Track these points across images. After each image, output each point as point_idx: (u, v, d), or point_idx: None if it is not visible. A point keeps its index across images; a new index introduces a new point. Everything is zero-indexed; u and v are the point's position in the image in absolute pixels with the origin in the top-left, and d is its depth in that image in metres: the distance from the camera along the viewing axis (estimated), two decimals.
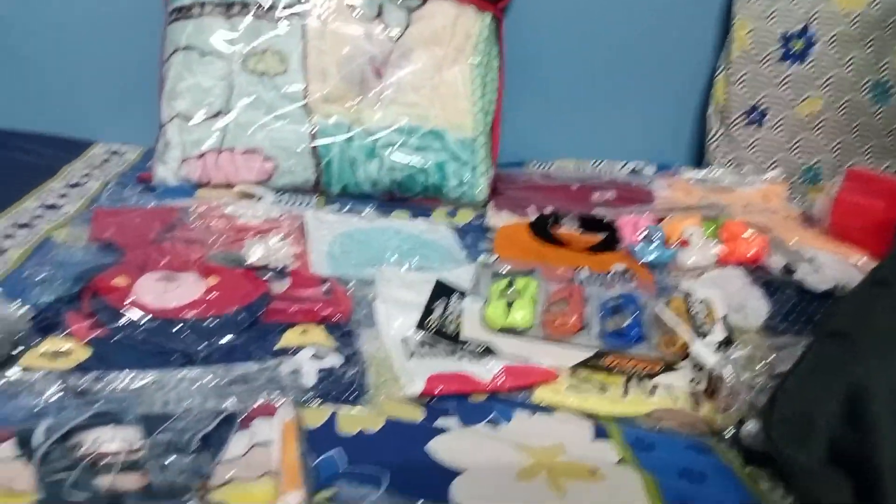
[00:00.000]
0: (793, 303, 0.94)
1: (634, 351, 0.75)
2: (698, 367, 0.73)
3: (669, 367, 0.74)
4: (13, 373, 0.65)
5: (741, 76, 1.38)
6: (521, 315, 0.78)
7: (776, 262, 1.04)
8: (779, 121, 1.41)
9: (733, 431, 0.69)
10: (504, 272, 0.86)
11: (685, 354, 0.74)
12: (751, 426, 0.67)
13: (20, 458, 0.56)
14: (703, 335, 0.73)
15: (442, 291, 0.85)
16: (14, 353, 0.69)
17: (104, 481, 0.54)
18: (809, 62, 1.37)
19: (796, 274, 1.00)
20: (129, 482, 0.54)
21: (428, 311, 0.80)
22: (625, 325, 0.76)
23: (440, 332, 0.78)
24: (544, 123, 1.47)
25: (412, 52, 1.22)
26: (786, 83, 1.38)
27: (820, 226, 1.22)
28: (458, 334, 0.78)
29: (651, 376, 0.75)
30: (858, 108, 1.39)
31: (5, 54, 1.36)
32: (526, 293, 0.80)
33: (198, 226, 0.97)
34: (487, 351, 0.77)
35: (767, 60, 1.37)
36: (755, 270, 1.02)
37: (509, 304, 0.79)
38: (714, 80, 1.42)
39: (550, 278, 0.86)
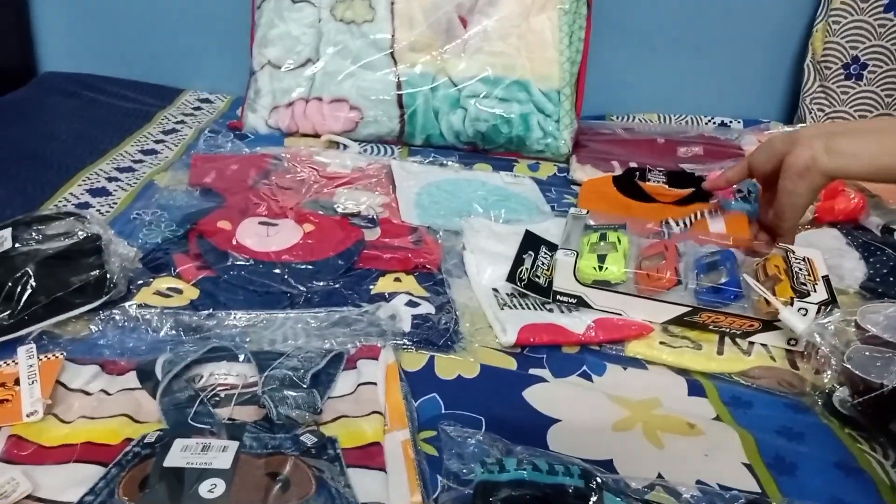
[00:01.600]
0: (892, 265, 0.90)
1: (731, 308, 0.74)
2: None
3: (768, 326, 0.73)
4: (131, 307, 0.69)
5: (843, 25, 1.32)
6: (614, 269, 0.77)
7: (874, 222, 1.01)
8: (880, 75, 1.34)
9: (826, 397, 0.68)
10: (595, 225, 0.85)
11: None
12: (841, 393, 0.66)
13: (143, 388, 0.60)
14: (805, 294, 0.71)
15: (531, 243, 0.85)
16: (130, 289, 0.73)
17: (224, 412, 0.57)
18: None
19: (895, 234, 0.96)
20: (247, 414, 0.57)
21: (518, 261, 0.81)
22: (721, 281, 0.75)
23: (531, 285, 0.78)
24: (629, 75, 1.44)
25: None
26: (891, 35, 1.31)
27: None
28: (549, 285, 0.78)
29: (748, 335, 0.74)
30: None
31: (99, 2, 1.40)
32: (619, 247, 0.79)
33: (291, 173, 0.99)
34: (581, 303, 0.77)
35: (873, 10, 1.30)
36: (852, 230, 0.99)
37: (601, 258, 0.79)
38: (813, 30, 1.35)
39: (640, 233, 0.85)
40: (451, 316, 0.76)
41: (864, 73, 1.34)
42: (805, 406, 0.68)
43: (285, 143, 1.15)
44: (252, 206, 0.88)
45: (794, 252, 0.77)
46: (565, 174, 1.19)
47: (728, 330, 0.74)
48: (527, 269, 0.80)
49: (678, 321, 0.75)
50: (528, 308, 0.79)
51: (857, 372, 0.65)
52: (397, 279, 0.81)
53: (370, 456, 0.54)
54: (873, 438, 0.64)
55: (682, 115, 1.42)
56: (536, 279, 0.79)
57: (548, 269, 0.81)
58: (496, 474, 0.53)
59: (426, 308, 0.77)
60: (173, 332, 0.67)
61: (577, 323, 0.76)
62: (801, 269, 0.74)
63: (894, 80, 1.34)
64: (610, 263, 0.78)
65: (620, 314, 0.76)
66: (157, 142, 1.14)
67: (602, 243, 0.81)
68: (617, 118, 1.41)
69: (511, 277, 0.78)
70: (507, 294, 0.81)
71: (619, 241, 0.81)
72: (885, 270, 0.89)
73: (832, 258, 0.92)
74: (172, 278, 0.75)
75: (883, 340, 0.67)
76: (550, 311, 0.79)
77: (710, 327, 0.74)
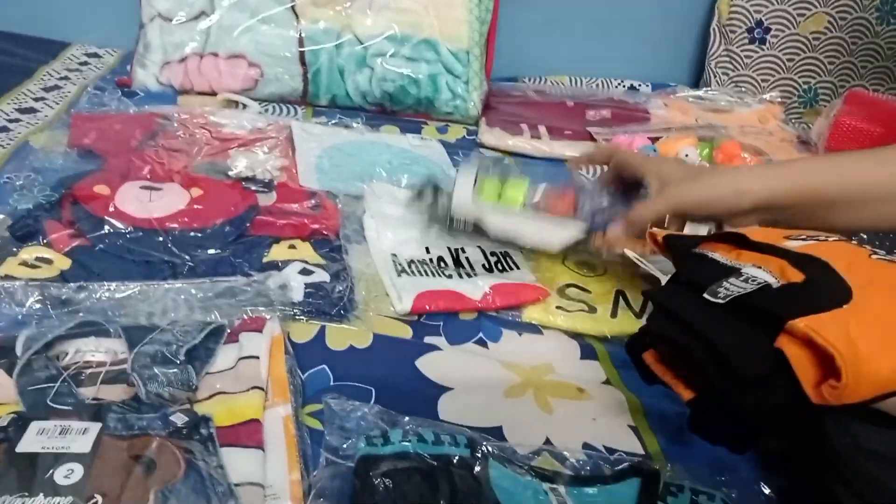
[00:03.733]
0: None
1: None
2: None
3: None
4: None
5: None
6: (514, 191, 0.77)
7: None
8: (783, 39, 1.37)
9: None
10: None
11: None
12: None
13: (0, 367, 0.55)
14: None
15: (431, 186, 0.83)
16: None
17: (88, 392, 0.53)
18: None
19: None
20: (114, 393, 0.54)
21: (418, 193, 0.81)
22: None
23: (432, 213, 0.79)
24: (539, 37, 1.42)
25: None
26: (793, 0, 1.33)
27: (815, 149, 1.21)
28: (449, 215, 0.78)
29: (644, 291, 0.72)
30: (863, 28, 1.35)
31: None
32: (518, 183, 0.79)
33: (181, 134, 0.94)
34: (477, 230, 0.77)
35: None
36: None
37: (502, 183, 0.79)
38: None
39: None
40: (346, 284, 0.73)
41: (768, 37, 1.37)
42: None
43: (179, 102, 1.09)
44: (135, 169, 0.82)
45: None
46: (474, 136, 1.17)
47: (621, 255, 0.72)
48: (428, 195, 0.80)
49: (574, 248, 0.77)
50: (426, 275, 0.77)
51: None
52: (292, 246, 0.78)
53: (248, 434, 0.52)
54: None
55: (593, 77, 1.42)
56: (436, 208, 0.79)
57: (448, 200, 0.79)
58: (379, 447, 0.52)
59: (320, 276, 0.74)
60: (39, 305, 0.62)
61: (474, 289, 0.75)
62: None
63: (795, 45, 1.37)
64: (510, 187, 0.79)
65: (517, 237, 0.77)
66: (36, 99, 1.06)
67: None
68: (528, 80, 1.40)
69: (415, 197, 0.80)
70: (406, 260, 0.79)
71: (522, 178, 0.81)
72: None
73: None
74: (42, 247, 0.69)
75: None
76: (449, 277, 0.77)
77: (604, 256, 0.75)
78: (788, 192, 0.65)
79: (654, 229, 0.64)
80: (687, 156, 1.03)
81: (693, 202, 0.69)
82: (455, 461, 0.52)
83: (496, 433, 0.58)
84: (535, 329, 0.72)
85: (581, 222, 0.76)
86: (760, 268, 0.50)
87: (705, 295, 0.50)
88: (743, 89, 1.38)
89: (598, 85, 1.41)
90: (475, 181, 0.77)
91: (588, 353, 0.70)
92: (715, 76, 1.40)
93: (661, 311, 0.56)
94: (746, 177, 0.67)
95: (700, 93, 1.34)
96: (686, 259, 0.58)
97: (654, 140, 1.10)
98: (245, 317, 0.64)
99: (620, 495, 0.54)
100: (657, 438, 0.61)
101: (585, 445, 0.59)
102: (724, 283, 0.50)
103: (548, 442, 0.58)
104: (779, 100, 1.35)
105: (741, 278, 0.50)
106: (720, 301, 0.49)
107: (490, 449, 0.54)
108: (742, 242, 0.55)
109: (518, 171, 0.84)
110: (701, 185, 0.68)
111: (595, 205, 0.78)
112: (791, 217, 0.65)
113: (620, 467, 0.55)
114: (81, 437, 0.48)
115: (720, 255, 0.55)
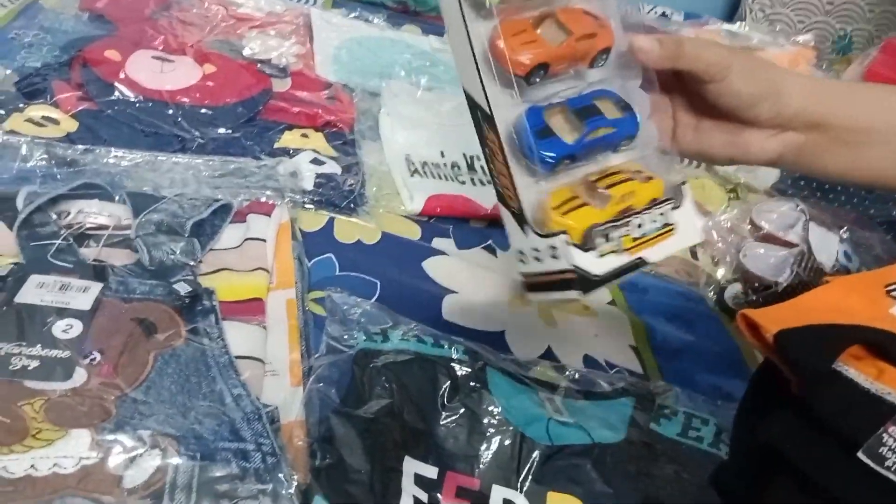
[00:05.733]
0: None
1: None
2: None
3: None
4: None
5: None
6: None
7: None
8: None
9: (718, 292, 0.68)
10: None
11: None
12: (732, 289, 0.67)
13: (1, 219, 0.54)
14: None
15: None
16: None
17: (90, 252, 0.52)
18: None
19: None
20: (117, 257, 0.52)
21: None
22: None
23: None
24: None
25: None
26: None
27: None
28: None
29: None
30: None
31: None
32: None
33: (195, 8, 0.90)
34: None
35: None
36: None
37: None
38: None
39: None
40: (357, 178, 0.72)
41: None
42: (698, 296, 0.69)
43: None
44: (147, 38, 0.79)
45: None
46: None
47: (493, 176, 0.46)
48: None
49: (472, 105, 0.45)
50: (440, 178, 0.75)
51: (751, 269, 0.65)
52: (304, 135, 0.76)
53: (250, 310, 0.51)
54: None
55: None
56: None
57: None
58: (378, 343, 0.51)
59: (332, 167, 0.72)
60: (44, 163, 0.60)
61: (487, 197, 0.73)
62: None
63: None
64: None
65: None
66: None
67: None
68: None
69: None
70: (420, 162, 0.77)
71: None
72: (797, 174, 0.90)
73: None
74: (49, 106, 0.67)
75: (777, 238, 0.67)
76: (462, 182, 0.76)
77: (485, 150, 0.45)
78: (831, 111, 0.50)
79: (752, 312, 0.38)
80: None
81: (715, 64, 0.46)
82: (454, 359, 0.52)
83: (498, 338, 0.58)
84: None
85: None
86: None
87: (862, 456, 0.32)
88: (777, 28, 1.33)
89: (629, 9, 1.36)
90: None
91: None
92: (751, 11, 1.35)
93: (775, 460, 0.37)
94: (792, 79, 0.50)
95: (734, 27, 1.28)
96: (813, 376, 0.36)
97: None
98: (254, 199, 0.63)
99: (614, 412, 0.54)
100: (657, 361, 0.60)
101: (586, 358, 0.58)
102: (885, 437, 0.32)
103: (549, 351, 0.58)
104: (812, 43, 1.30)
105: None
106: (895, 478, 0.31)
107: (490, 357, 0.53)
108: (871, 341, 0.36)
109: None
110: (741, 60, 0.47)
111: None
112: (823, 145, 0.53)
113: (616, 386, 0.55)
114: (82, 294, 0.47)
115: (856, 369, 0.35)
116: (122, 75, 0.72)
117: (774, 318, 0.38)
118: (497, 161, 0.43)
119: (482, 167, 0.79)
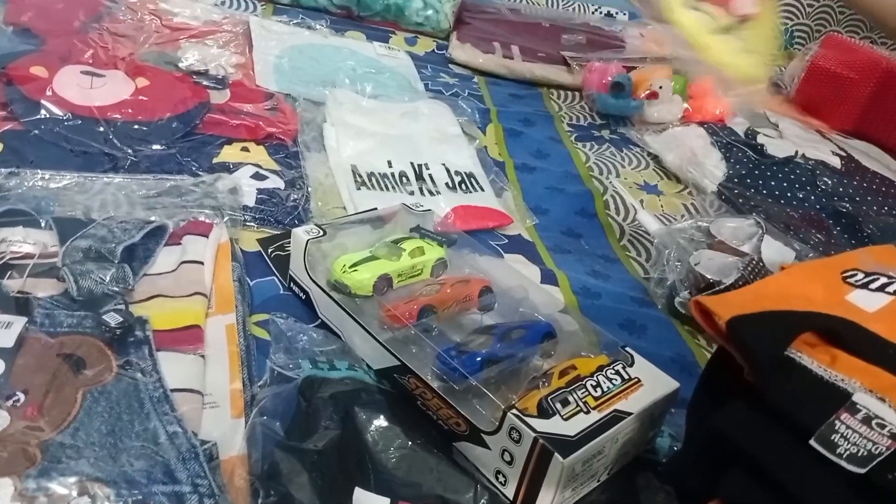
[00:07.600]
0: (750, 167, 0.92)
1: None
2: None
3: (474, 433, 0.45)
4: None
5: None
6: (365, 276, 0.53)
7: (740, 124, 1.02)
8: None
9: (668, 297, 0.68)
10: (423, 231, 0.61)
11: None
12: (683, 297, 0.67)
13: None
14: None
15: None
16: None
17: (14, 284, 0.49)
18: None
19: (758, 138, 0.97)
20: (43, 287, 0.50)
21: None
22: (479, 343, 0.49)
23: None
24: None
25: None
26: None
27: (786, 92, 1.20)
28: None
29: (454, 435, 0.46)
30: None
31: None
32: (401, 258, 0.56)
33: (128, 19, 0.87)
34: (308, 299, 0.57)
35: None
36: (718, 130, 0.99)
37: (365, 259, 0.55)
38: None
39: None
40: (301, 192, 0.70)
41: None
42: (651, 301, 0.68)
43: None
44: (76, 52, 0.76)
45: None
46: (444, 51, 1.12)
47: (435, 416, 0.47)
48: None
49: (386, 374, 0.50)
50: (386, 189, 0.74)
51: (700, 271, 0.65)
52: (245, 149, 0.74)
53: (187, 339, 0.49)
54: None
55: (569, 1, 1.36)
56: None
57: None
58: (325, 371, 0.49)
59: (274, 182, 0.70)
60: None
61: (434, 208, 0.71)
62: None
63: None
64: (365, 269, 0.54)
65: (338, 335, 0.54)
66: None
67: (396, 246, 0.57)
68: None
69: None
70: (366, 173, 0.75)
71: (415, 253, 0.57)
72: (743, 171, 0.90)
73: (695, 156, 0.93)
74: None
75: (729, 247, 0.68)
76: (411, 193, 0.75)
77: (417, 400, 0.48)
78: None
79: (702, 297, 0.39)
80: (661, 87, 1.00)
81: None
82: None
83: None
84: (497, 252, 0.70)
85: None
86: (883, 400, 0.32)
87: (814, 444, 0.32)
88: None
89: (574, 9, 1.36)
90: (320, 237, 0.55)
91: (548, 278, 0.68)
92: None
93: (728, 450, 0.36)
94: None
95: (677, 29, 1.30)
96: (765, 363, 0.35)
97: (630, 69, 1.06)
98: (190, 219, 0.60)
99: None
100: None
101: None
102: (837, 424, 0.32)
103: None
104: None
105: (859, 417, 0.32)
106: (847, 465, 0.31)
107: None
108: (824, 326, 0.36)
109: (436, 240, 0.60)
110: None
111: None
112: None
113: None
114: (4, 330, 0.44)
115: (810, 356, 0.34)
116: (48, 92, 0.69)
117: (728, 305, 0.38)
118: (432, 401, 0.47)
119: (430, 175, 0.78)
